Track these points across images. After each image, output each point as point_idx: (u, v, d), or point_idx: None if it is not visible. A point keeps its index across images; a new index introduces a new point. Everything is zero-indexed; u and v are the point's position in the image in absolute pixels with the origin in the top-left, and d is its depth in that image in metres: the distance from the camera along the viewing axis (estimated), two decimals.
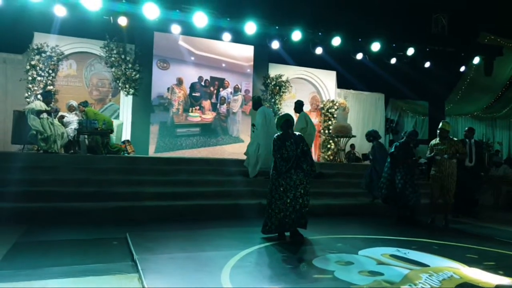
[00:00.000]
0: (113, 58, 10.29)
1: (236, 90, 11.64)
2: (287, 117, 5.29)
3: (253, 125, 8.54)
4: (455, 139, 6.95)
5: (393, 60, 12.16)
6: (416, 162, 6.92)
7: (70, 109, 9.35)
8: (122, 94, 10.58)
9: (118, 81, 10.37)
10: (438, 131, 6.83)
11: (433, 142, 6.92)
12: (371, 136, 8.08)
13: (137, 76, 10.47)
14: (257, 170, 7.92)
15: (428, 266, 4.17)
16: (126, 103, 10.65)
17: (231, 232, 5.61)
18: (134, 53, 10.56)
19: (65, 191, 6.31)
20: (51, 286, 3.24)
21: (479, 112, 15.42)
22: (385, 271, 3.89)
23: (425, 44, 11.92)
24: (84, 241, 4.79)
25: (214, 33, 10.58)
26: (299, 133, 5.37)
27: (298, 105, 8.59)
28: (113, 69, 10.36)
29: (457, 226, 6.71)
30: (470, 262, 4.36)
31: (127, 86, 10.36)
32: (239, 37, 10.74)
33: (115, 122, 10.00)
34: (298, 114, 8.49)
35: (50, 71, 9.81)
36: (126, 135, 10.41)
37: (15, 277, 3.37)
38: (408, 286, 3.47)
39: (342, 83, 12.86)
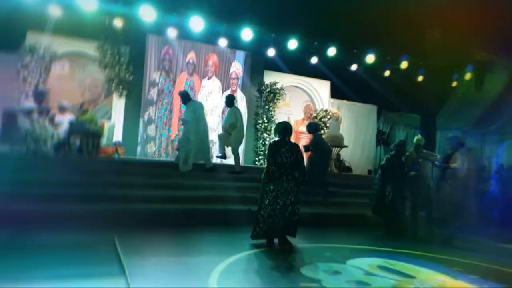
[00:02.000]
0: (107, 59, 10.23)
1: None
2: (286, 124, 5.35)
3: (182, 119, 8.62)
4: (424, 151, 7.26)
5: (387, 73, 12.29)
6: (406, 174, 6.96)
7: (62, 109, 9.26)
8: (114, 95, 10.53)
9: (111, 83, 10.31)
10: (414, 145, 7.22)
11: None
12: (313, 128, 8.19)
13: (131, 77, 10.42)
14: (190, 165, 7.93)
15: (414, 277, 4.20)
16: (118, 104, 10.60)
17: (220, 237, 5.60)
18: (128, 55, 10.52)
19: (53, 193, 6.18)
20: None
21: (468, 128, 15.59)
22: (372, 281, 3.91)
23: (418, 58, 12.08)
24: (71, 244, 4.68)
25: (210, 38, 10.61)
26: (295, 142, 5.41)
27: (229, 100, 8.70)
28: (106, 70, 10.30)
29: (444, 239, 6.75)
30: (455, 275, 4.40)
31: (120, 87, 10.32)
32: (235, 43, 10.78)
33: (107, 124, 9.93)
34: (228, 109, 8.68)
35: (42, 71, 9.73)
36: (118, 136, 10.33)
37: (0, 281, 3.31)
38: None
39: (335, 93, 12.95)
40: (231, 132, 8.37)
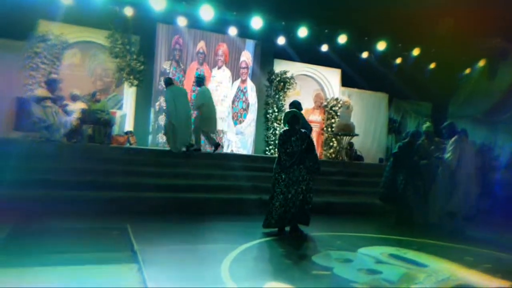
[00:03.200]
0: (117, 49, 10.25)
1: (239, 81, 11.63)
2: (294, 113, 5.33)
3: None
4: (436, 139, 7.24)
5: (398, 60, 12.11)
6: (418, 163, 6.90)
7: (74, 98, 9.35)
8: (125, 85, 10.57)
9: (122, 72, 10.35)
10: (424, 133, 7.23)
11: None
12: (294, 106, 8.17)
13: (142, 67, 10.45)
14: (179, 147, 8.08)
15: (426, 266, 4.19)
16: (129, 94, 10.65)
17: (231, 226, 5.64)
18: (139, 44, 10.53)
19: (65, 179, 6.29)
20: (49, 273, 3.25)
21: (480, 116, 15.35)
22: (384, 270, 3.91)
23: (430, 45, 11.88)
24: (84, 230, 4.76)
25: (220, 27, 10.55)
26: (305, 131, 5.38)
27: (199, 79, 8.76)
28: (117, 60, 10.33)
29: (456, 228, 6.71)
30: (467, 264, 4.38)
31: (131, 77, 10.35)
32: (245, 32, 10.70)
33: (118, 113, 10.00)
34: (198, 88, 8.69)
35: (54, 59, 9.79)
36: (129, 126, 10.41)
37: (11, 262, 3.38)
38: (406, 286, 3.49)
39: (346, 82, 12.81)
40: (200, 112, 8.43)
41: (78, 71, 10.33)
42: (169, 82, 8.52)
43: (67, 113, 8.87)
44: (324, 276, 3.62)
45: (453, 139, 6.51)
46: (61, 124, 8.31)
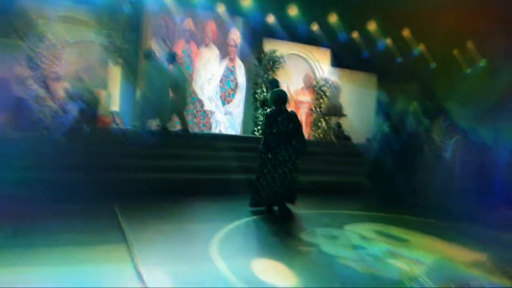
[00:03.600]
0: (102, 26, 9.99)
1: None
2: (280, 92, 5.29)
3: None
4: None
5: (388, 41, 12.09)
6: (405, 143, 6.99)
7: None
8: (110, 64, 10.36)
9: (106, 50, 10.12)
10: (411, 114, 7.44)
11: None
12: (272, 84, 8.39)
13: (127, 46, 10.23)
14: (148, 124, 8.11)
15: (409, 241, 4.30)
16: (114, 73, 10.44)
17: (219, 205, 5.68)
18: (124, 22, 10.27)
19: (51, 162, 6.19)
20: (38, 255, 3.26)
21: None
22: (368, 245, 4.01)
23: (419, 27, 11.86)
24: (72, 211, 4.73)
25: (207, 4, 10.36)
26: (292, 110, 5.38)
27: (170, 56, 8.67)
28: (101, 37, 10.07)
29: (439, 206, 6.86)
30: (449, 239, 4.51)
31: (115, 55, 10.14)
32: (233, 9, 10.53)
33: (103, 93, 9.82)
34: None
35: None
36: (114, 106, 10.26)
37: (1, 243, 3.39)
38: (389, 260, 3.59)
39: (336, 62, 12.79)
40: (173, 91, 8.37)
41: (60, 50, 10.02)
42: (149, 55, 8.38)
43: (50, 93, 8.67)
44: (310, 252, 3.70)
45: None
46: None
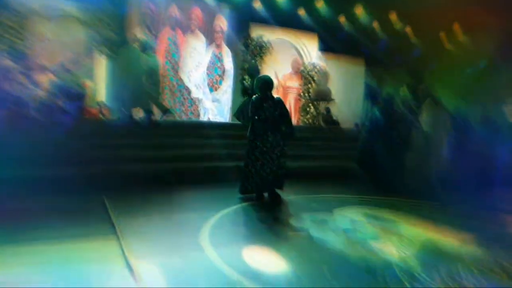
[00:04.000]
0: (88, 18, 9.79)
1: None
2: (265, 78, 5.24)
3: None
4: None
5: (376, 25, 12.03)
6: (394, 128, 7.01)
7: (42, 70, 8.97)
8: (96, 54, 10.17)
9: (91, 40, 9.93)
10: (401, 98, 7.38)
11: None
12: (252, 70, 8.67)
13: (112, 35, 10.04)
14: (128, 111, 8.05)
15: (399, 224, 4.34)
16: (100, 64, 10.26)
17: (209, 194, 5.66)
18: (109, 12, 10.05)
19: (38, 156, 6.07)
20: (28, 249, 3.21)
21: (455, 83, 15.58)
22: (358, 229, 4.04)
23: (407, 10, 11.82)
24: (59, 205, 4.65)
25: None
26: (278, 96, 5.35)
27: (143, 44, 8.53)
28: (88, 30, 9.87)
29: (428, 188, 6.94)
30: (438, 220, 4.57)
31: (101, 45, 9.95)
32: None
33: (89, 84, 9.66)
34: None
35: (21, 29, 9.27)
36: (101, 97, 10.10)
37: None
38: (379, 243, 3.62)
39: (323, 47, 12.71)
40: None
41: (47, 41, 9.84)
42: (124, 40, 8.41)
43: (36, 86, 8.54)
44: (300, 237, 3.72)
45: (426, 101, 6.63)
46: (32, 98, 8.00)
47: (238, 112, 8.55)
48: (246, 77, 11.35)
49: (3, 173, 5.40)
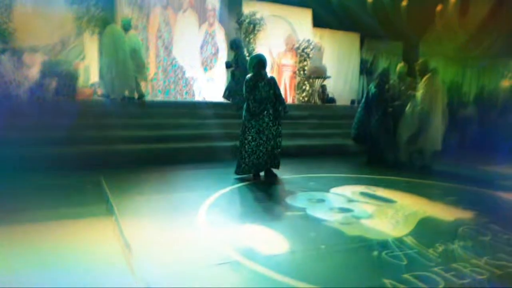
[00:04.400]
0: None
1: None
2: (260, 57, 5.17)
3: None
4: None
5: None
6: (389, 103, 6.98)
7: (32, 50, 8.81)
8: (87, 34, 9.95)
9: (81, 20, 9.70)
10: (397, 73, 7.32)
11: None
12: (235, 44, 8.35)
13: (102, 14, 9.80)
14: (119, 92, 8.01)
15: (395, 202, 4.38)
16: (91, 44, 10.06)
17: (206, 173, 5.67)
18: None
19: (33, 136, 6.06)
20: (26, 230, 3.23)
21: (452, 53, 15.51)
22: (355, 207, 4.07)
23: None
24: (57, 185, 4.70)
25: None
26: (272, 76, 5.31)
27: (123, 23, 8.49)
28: (74, 6, 9.63)
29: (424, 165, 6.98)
30: (433, 198, 4.62)
31: (91, 25, 9.73)
32: None
33: (81, 65, 9.51)
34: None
35: (3, 9, 9.03)
36: (94, 77, 9.96)
37: None
38: (376, 221, 3.66)
39: (317, 22, 12.49)
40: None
41: (33, 20, 9.61)
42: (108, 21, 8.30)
43: (26, 66, 8.40)
44: (297, 216, 3.74)
45: (425, 77, 6.58)
46: (22, 78, 7.88)
47: (225, 92, 8.52)
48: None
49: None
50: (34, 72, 8.44)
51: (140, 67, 8.43)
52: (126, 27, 8.37)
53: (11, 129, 6.16)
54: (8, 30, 8.61)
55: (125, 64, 7.94)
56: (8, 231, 3.21)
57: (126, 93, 8.15)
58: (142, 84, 8.81)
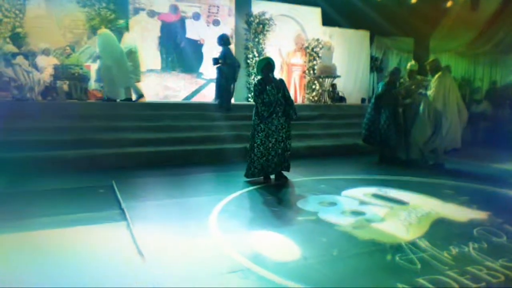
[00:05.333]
0: None
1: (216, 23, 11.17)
2: (268, 60, 5.15)
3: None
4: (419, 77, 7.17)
5: None
6: (400, 102, 6.91)
7: (45, 53, 8.95)
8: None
9: (92, 22, 9.80)
10: (407, 71, 7.16)
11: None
12: (223, 40, 8.31)
13: (112, 16, 9.89)
14: (119, 92, 8.16)
15: (408, 203, 4.34)
16: None
17: (217, 176, 5.68)
18: None
19: (46, 139, 6.15)
20: (39, 237, 3.26)
21: (462, 48, 15.29)
22: (367, 210, 4.04)
23: None
24: (70, 190, 4.75)
25: None
26: (280, 78, 5.29)
27: (121, 26, 8.75)
28: (86, 9, 9.74)
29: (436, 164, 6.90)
30: (446, 198, 4.57)
31: (102, 27, 9.81)
32: None
33: (93, 67, 9.62)
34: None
35: (17, 12, 9.17)
36: None
37: (2, 228, 3.37)
38: (389, 224, 3.63)
39: (327, 21, 12.41)
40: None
41: (45, 23, 9.73)
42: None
43: (37, 69, 8.52)
44: (308, 221, 3.72)
45: (436, 75, 6.49)
46: (34, 82, 8.00)
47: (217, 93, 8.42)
48: (251, 55, 11.19)
49: (7, 155, 5.47)
50: (46, 75, 8.56)
51: (136, 68, 8.58)
52: (123, 30, 8.59)
53: (23, 132, 6.26)
54: (21, 34, 8.73)
55: (121, 65, 8.05)
56: (21, 238, 3.25)
57: (123, 94, 8.27)
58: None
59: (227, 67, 8.13)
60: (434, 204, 4.34)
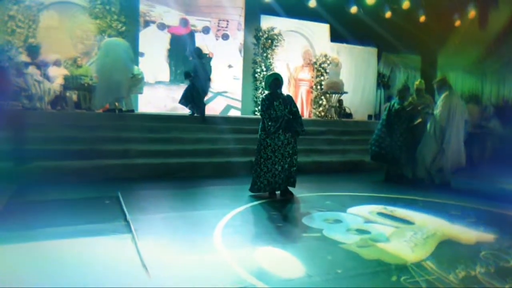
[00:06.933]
0: (97, 9, 9.83)
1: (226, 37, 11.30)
2: (276, 76, 5.19)
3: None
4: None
5: (388, 14, 11.81)
6: (409, 122, 6.87)
7: (56, 64, 9.09)
8: None
9: (103, 34, 9.96)
10: (415, 90, 7.19)
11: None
12: (195, 53, 8.51)
13: (123, 28, 10.05)
14: (102, 103, 8.27)
15: (413, 223, 4.31)
16: None
17: (222, 190, 5.68)
18: (119, 4, 10.07)
19: (53, 149, 6.20)
20: (45, 248, 3.27)
21: (470, 67, 15.30)
22: (372, 229, 4.01)
23: None
24: (76, 200, 4.77)
25: None
26: (288, 94, 5.32)
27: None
28: (97, 21, 9.92)
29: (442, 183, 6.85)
30: (452, 218, 4.52)
31: (113, 39, 9.97)
32: None
33: None
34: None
35: (31, 23, 9.36)
36: None
37: (8, 239, 3.38)
38: (394, 244, 3.60)
39: (335, 37, 12.53)
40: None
41: (57, 34, 9.91)
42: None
43: (48, 79, 8.65)
44: (313, 238, 3.71)
45: (444, 94, 6.49)
46: (45, 91, 8.11)
47: (181, 99, 8.49)
48: (258, 69, 11.28)
49: (18, 166, 5.52)
50: (56, 85, 8.68)
51: (137, 79, 8.73)
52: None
53: (32, 142, 6.30)
54: (35, 45, 8.89)
55: (117, 73, 8.07)
56: (26, 248, 3.25)
57: (116, 104, 8.32)
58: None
59: (199, 80, 8.25)
60: (440, 225, 4.30)
